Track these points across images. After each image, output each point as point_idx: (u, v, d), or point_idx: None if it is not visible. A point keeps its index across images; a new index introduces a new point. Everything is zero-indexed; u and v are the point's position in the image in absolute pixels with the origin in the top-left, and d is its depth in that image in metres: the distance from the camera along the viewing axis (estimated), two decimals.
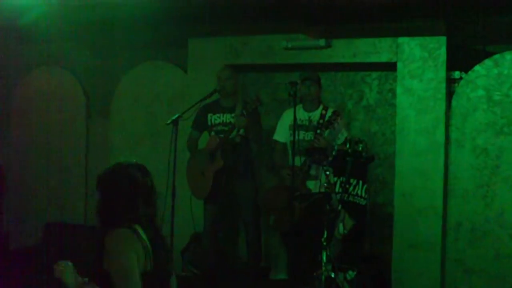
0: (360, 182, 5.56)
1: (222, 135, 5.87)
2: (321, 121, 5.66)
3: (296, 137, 5.48)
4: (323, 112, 5.73)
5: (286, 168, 5.70)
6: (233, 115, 5.87)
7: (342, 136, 5.60)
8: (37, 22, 6.49)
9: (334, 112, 5.57)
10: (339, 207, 5.25)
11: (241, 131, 5.85)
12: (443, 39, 5.99)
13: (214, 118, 6.04)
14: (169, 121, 5.44)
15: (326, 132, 5.54)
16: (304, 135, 5.74)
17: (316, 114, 5.77)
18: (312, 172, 5.61)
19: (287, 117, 5.89)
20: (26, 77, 7.91)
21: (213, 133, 5.99)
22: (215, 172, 5.82)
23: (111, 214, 2.83)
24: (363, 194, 5.58)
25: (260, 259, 6.13)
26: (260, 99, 5.79)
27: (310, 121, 5.77)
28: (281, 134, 5.97)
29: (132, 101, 7.39)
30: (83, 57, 7.69)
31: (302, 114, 5.76)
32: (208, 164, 5.87)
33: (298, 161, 5.53)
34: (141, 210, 2.86)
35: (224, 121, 5.97)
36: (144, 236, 2.79)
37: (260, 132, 5.94)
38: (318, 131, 5.59)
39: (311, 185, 5.63)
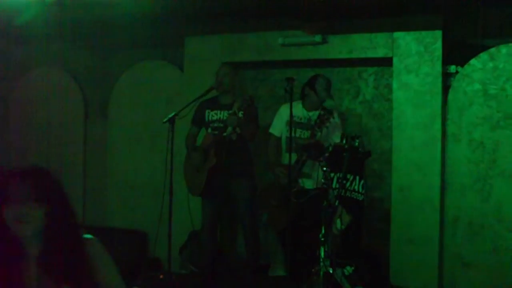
0: (357, 177, 5.55)
1: (217, 132, 5.87)
2: (318, 120, 5.63)
3: (293, 134, 5.47)
4: (321, 112, 5.71)
5: (280, 166, 5.70)
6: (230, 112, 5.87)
7: (336, 136, 5.58)
8: (34, 22, 6.49)
9: (327, 111, 5.54)
10: (336, 203, 5.25)
11: (237, 129, 5.84)
12: (438, 33, 5.99)
13: (212, 115, 6.02)
14: (165, 120, 5.44)
15: (323, 131, 5.53)
16: (301, 133, 5.73)
17: (315, 114, 5.76)
18: (306, 169, 5.60)
19: (284, 112, 5.85)
20: (24, 78, 7.92)
21: (209, 129, 5.98)
22: (208, 169, 5.82)
23: None
24: (360, 190, 5.57)
25: (259, 256, 6.13)
26: (252, 97, 5.78)
27: (309, 119, 5.75)
28: (277, 128, 5.96)
29: (130, 101, 7.41)
30: (81, 57, 7.70)
31: (302, 112, 5.76)
32: (202, 161, 5.87)
33: (294, 158, 5.52)
34: None
35: (222, 118, 5.94)
36: None
37: (254, 131, 5.91)
38: (318, 129, 5.58)
39: (307, 182, 5.63)
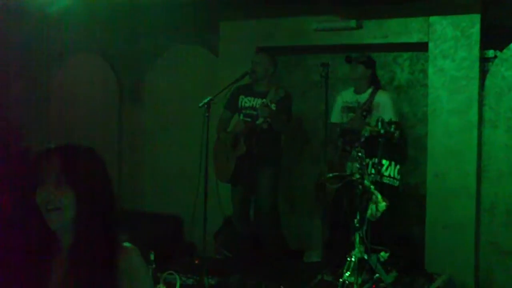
0: (393, 163, 5.52)
1: (249, 119, 5.83)
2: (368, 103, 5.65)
3: (345, 119, 5.61)
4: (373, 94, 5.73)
5: (331, 144, 5.74)
6: (263, 101, 5.80)
7: (387, 115, 5.59)
8: (69, 8, 6.54)
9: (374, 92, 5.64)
10: (372, 189, 5.22)
11: (268, 119, 5.78)
12: (476, 17, 5.89)
13: (245, 101, 5.98)
14: (201, 104, 5.43)
15: (372, 112, 5.57)
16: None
17: (364, 97, 5.76)
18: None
19: (340, 99, 5.99)
20: (63, 64, 7.98)
21: (241, 116, 5.94)
22: (237, 157, 5.79)
23: None
24: (396, 176, 5.54)
25: (283, 242, 6.12)
26: (288, 92, 5.75)
27: (358, 103, 5.77)
28: (335, 116, 6.00)
29: (164, 85, 7.43)
30: (115, 41, 7.73)
31: (351, 96, 5.79)
32: (232, 148, 5.84)
33: None
34: None
35: (254, 105, 5.88)
36: None
37: (286, 122, 5.83)
38: (365, 113, 5.61)
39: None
